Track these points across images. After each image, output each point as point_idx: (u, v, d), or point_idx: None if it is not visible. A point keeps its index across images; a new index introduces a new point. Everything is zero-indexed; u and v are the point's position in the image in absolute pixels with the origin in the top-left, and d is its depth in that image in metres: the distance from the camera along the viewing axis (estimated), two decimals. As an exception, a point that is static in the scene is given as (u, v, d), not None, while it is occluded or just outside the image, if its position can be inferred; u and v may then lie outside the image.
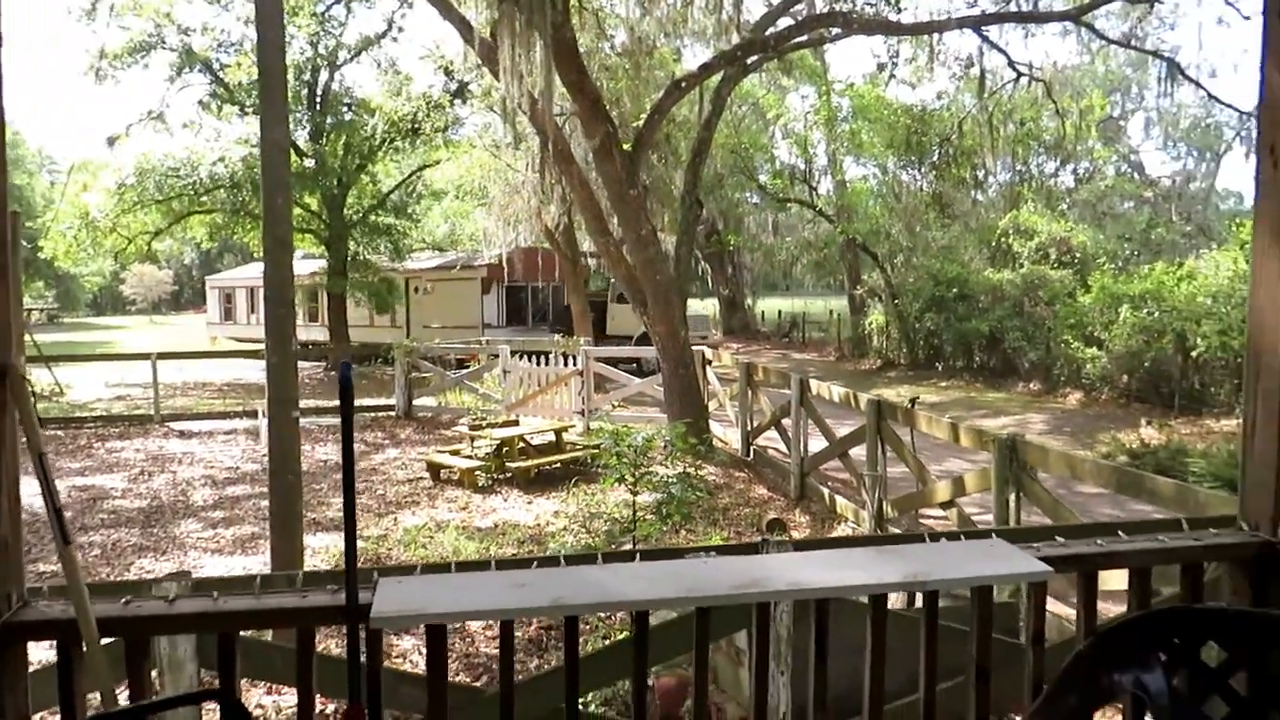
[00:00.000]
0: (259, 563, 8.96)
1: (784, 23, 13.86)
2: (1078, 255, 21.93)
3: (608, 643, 5.72)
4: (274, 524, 6.27)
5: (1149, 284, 17.65)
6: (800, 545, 3.42)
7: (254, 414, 15.79)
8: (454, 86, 23.88)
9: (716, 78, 13.51)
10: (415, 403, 17.59)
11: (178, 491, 11.91)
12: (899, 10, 14.34)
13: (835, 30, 13.77)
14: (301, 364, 25.78)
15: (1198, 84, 14.52)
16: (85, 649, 1.75)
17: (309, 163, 24.59)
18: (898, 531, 8.24)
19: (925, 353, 23.92)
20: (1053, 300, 20.35)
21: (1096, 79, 27.03)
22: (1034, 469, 6.38)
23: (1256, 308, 2.21)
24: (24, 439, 1.76)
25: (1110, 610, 3.99)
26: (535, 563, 2.10)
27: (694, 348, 20.84)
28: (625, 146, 11.97)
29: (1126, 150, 28.74)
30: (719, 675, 5.02)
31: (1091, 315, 18.49)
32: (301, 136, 25.27)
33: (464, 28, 11.94)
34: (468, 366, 18.67)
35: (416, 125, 23.28)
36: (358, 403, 18.24)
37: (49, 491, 1.78)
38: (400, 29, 26.56)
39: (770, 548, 3.46)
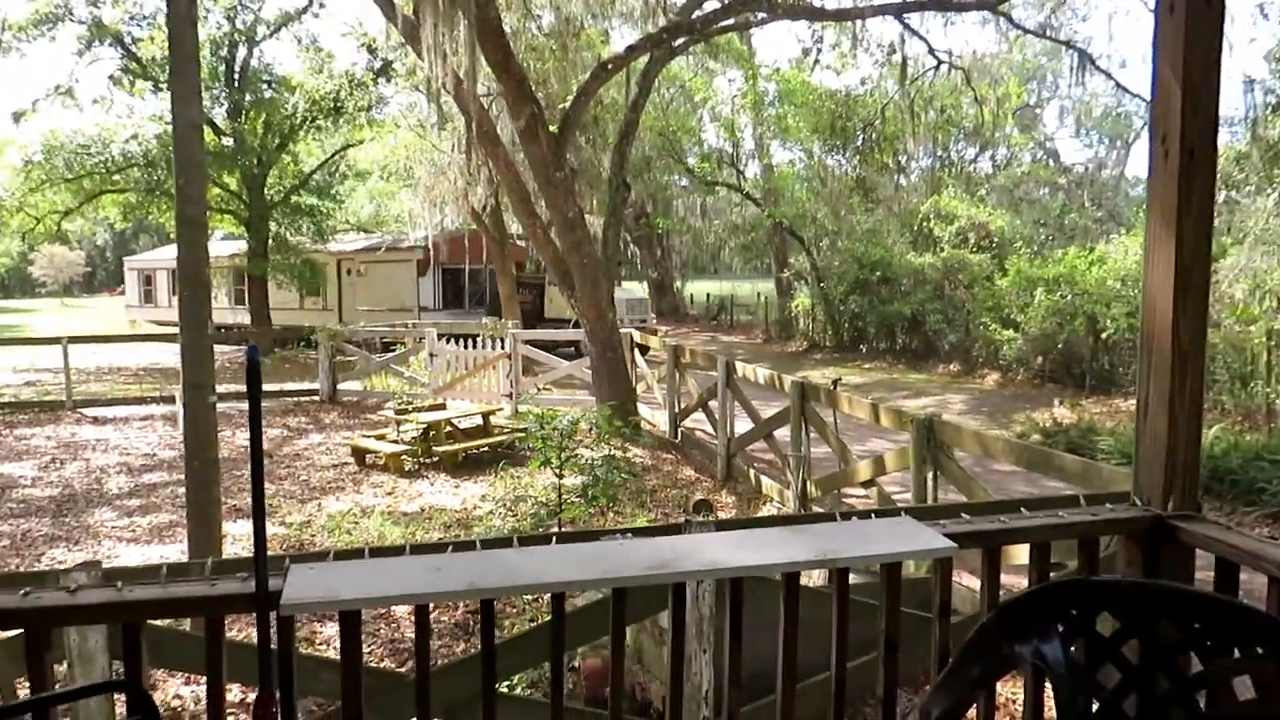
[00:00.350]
0: (177, 551, 8.74)
1: (710, 6, 13.91)
2: (995, 240, 22.50)
3: (532, 625, 5.73)
4: (191, 511, 6.13)
5: (1062, 268, 18.19)
6: (723, 525, 3.46)
7: (171, 399, 15.35)
8: (377, 65, 23.40)
9: (644, 60, 13.50)
10: (340, 387, 17.31)
11: (91, 479, 11.54)
12: (823, -5, 14.50)
13: (760, 14, 13.85)
14: (222, 348, 25.19)
15: (1107, 74, 15.01)
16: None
17: (227, 141, 23.91)
18: (820, 510, 8.40)
19: (850, 335, 24.32)
20: (972, 284, 20.86)
21: (1013, 67, 27.65)
22: (950, 448, 6.55)
23: (1149, 293, 2.30)
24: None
25: (1017, 583, 4.13)
26: (451, 547, 2.10)
27: (631, 331, 20.99)
28: (552, 128, 11.89)
29: (1042, 137, 29.57)
30: (643, 655, 5.07)
31: (1008, 298, 19.00)
32: (220, 114, 24.54)
33: (386, 5, 11.73)
34: (394, 350, 18.42)
35: (339, 104, 22.79)
36: (281, 387, 17.89)
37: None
38: (322, 4, 25.84)
39: (693, 528, 3.50)
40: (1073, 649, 2.14)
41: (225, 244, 28.63)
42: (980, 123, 18.01)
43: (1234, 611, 2.00)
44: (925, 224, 23.69)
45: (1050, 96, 31.00)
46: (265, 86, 25.17)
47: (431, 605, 1.95)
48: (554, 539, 2.15)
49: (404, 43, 17.86)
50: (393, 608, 6.31)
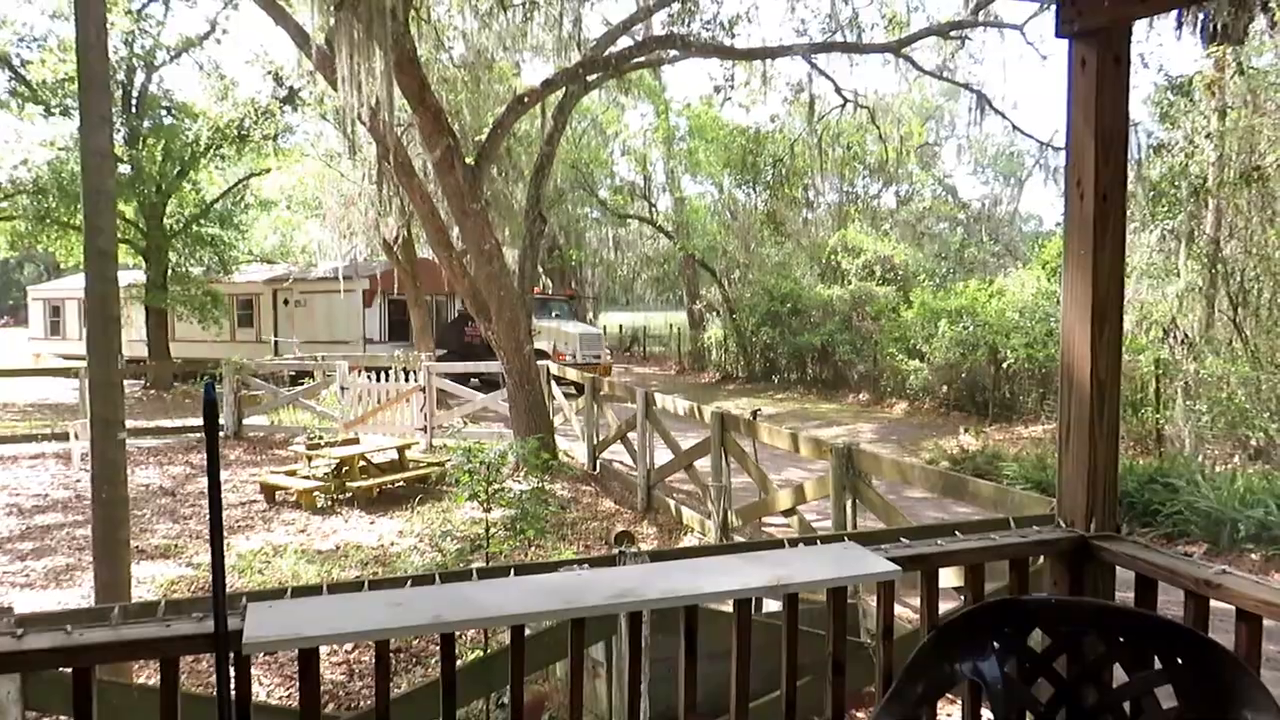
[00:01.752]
0: (76, 596, 8.36)
1: (624, 42, 14.14)
2: (900, 272, 23.25)
3: (477, 656, 5.66)
4: (98, 552, 5.87)
5: (964, 300, 18.89)
6: (656, 555, 3.51)
7: (64, 436, 14.69)
8: (283, 93, 23.01)
9: (558, 94, 13.61)
10: (245, 422, 16.80)
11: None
12: (733, 35, 14.87)
13: (673, 52, 14.13)
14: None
15: (1003, 115, 15.73)
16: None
17: (125, 169, 23.12)
18: (741, 540, 8.51)
19: (762, 365, 24.74)
20: (879, 315, 21.48)
21: (913, 107, 28.71)
22: (868, 475, 6.73)
23: (1066, 327, 2.45)
24: None
25: (944, 604, 4.28)
26: (410, 581, 2.10)
27: (588, 365, 20.98)
28: (468, 160, 11.88)
29: (941, 174, 30.70)
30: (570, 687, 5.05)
31: (914, 329, 19.62)
32: (117, 140, 23.74)
33: (298, 34, 11.60)
34: (302, 383, 17.99)
35: (244, 131, 22.29)
36: (183, 423, 17.29)
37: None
38: (225, 31, 25.32)
39: (626, 559, 3.53)
40: (1007, 666, 2.26)
41: (123, 274, 27.55)
42: (885, 160, 18.65)
43: (1156, 625, 2.13)
44: (833, 257, 24.34)
45: (948, 135, 32.34)
46: (165, 113, 24.49)
47: (391, 641, 1.94)
48: (512, 571, 2.16)
49: (312, 71, 17.68)
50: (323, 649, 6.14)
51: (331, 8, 9.76)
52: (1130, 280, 16.96)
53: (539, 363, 13.70)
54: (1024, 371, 17.04)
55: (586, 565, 2.23)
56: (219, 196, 25.34)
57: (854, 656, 2.75)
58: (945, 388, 18.59)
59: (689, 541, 9.64)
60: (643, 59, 13.54)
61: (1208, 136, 14.83)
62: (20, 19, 23.02)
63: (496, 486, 6.01)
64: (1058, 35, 2.39)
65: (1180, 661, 2.07)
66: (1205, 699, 2.02)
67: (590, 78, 13.31)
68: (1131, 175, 16.20)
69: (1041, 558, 2.58)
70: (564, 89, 13.26)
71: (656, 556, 3.55)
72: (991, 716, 2.22)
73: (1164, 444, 13.83)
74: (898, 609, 5.43)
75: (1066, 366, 2.44)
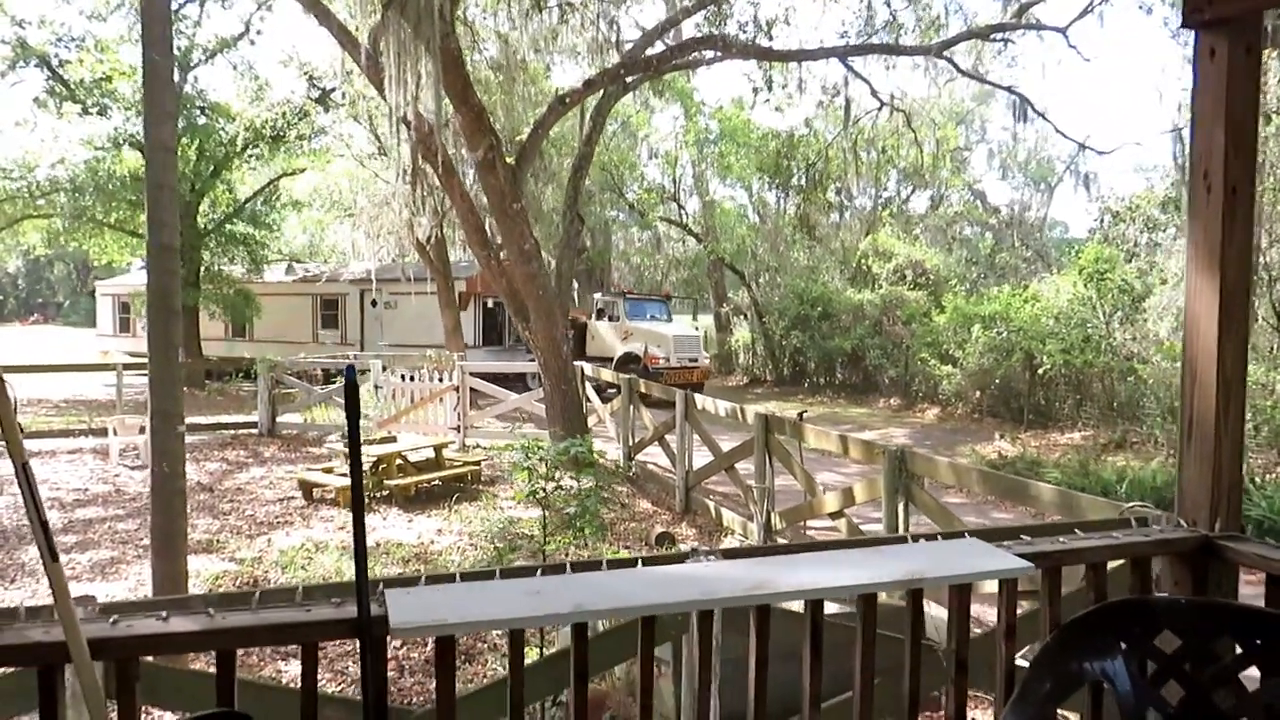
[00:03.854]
0: (123, 589, 8.42)
1: (659, 45, 14.14)
2: (931, 277, 23.11)
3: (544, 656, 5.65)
4: (157, 545, 5.91)
5: (998, 305, 18.75)
6: (728, 554, 3.47)
7: (102, 431, 14.81)
8: (315, 93, 23.16)
9: (596, 95, 13.62)
10: (279, 420, 16.89)
11: (19, 516, 11.01)
12: (771, 37, 14.84)
13: (711, 53, 14.12)
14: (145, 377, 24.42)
15: (1044, 117, 15.62)
16: (78, 675, 1.62)
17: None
18: (784, 542, 8.46)
19: (790, 369, 24.65)
20: (910, 320, 21.36)
21: (943, 111, 28.54)
22: (921, 478, 6.68)
23: (1191, 322, 2.41)
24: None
25: (987, 615, 4.22)
26: (540, 570, 2.08)
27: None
28: (508, 160, 11.90)
29: (971, 179, 30.52)
30: (635, 688, 5.02)
31: (946, 334, 19.49)
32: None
33: (341, 34, 11.66)
34: (335, 382, 18.07)
35: (278, 132, 22.45)
36: (217, 420, 17.41)
37: (35, 504, 1.64)
38: (259, 31, 25.45)
39: (698, 556, 3.50)
40: (1134, 667, 2.21)
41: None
42: (920, 164, 18.54)
43: (1295, 627, 2.09)
44: (864, 261, 24.23)
45: (978, 140, 32.13)
46: (199, 112, 24.69)
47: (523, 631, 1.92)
48: (639, 562, 2.14)
49: (349, 72, 17.77)
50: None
51: (379, 7, 9.80)
52: (1167, 286, 16.81)
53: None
54: (1060, 377, 16.88)
55: (715, 555, 2.21)
56: (251, 196, 25.52)
57: (925, 659, 2.71)
58: (978, 393, 18.46)
59: (730, 543, 9.60)
60: (683, 60, 13.52)
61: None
62: (58, 18, 22.99)
63: (555, 484, 5.99)
64: (1184, 25, 2.35)
65: (1322, 665, 2.03)
66: (1349, 703, 1.97)
67: (629, 79, 13.29)
68: (1175, 178, 16.06)
69: (1161, 558, 2.53)
70: (603, 90, 13.27)
71: (728, 555, 3.53)
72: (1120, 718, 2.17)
73: (1205, 452, 13.65)
74: (939, 613, 5.36)
75: (1190, 362, 2.40)
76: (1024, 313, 18.00)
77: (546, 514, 6.12)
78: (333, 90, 23.00)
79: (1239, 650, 2.15)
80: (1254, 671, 2.14)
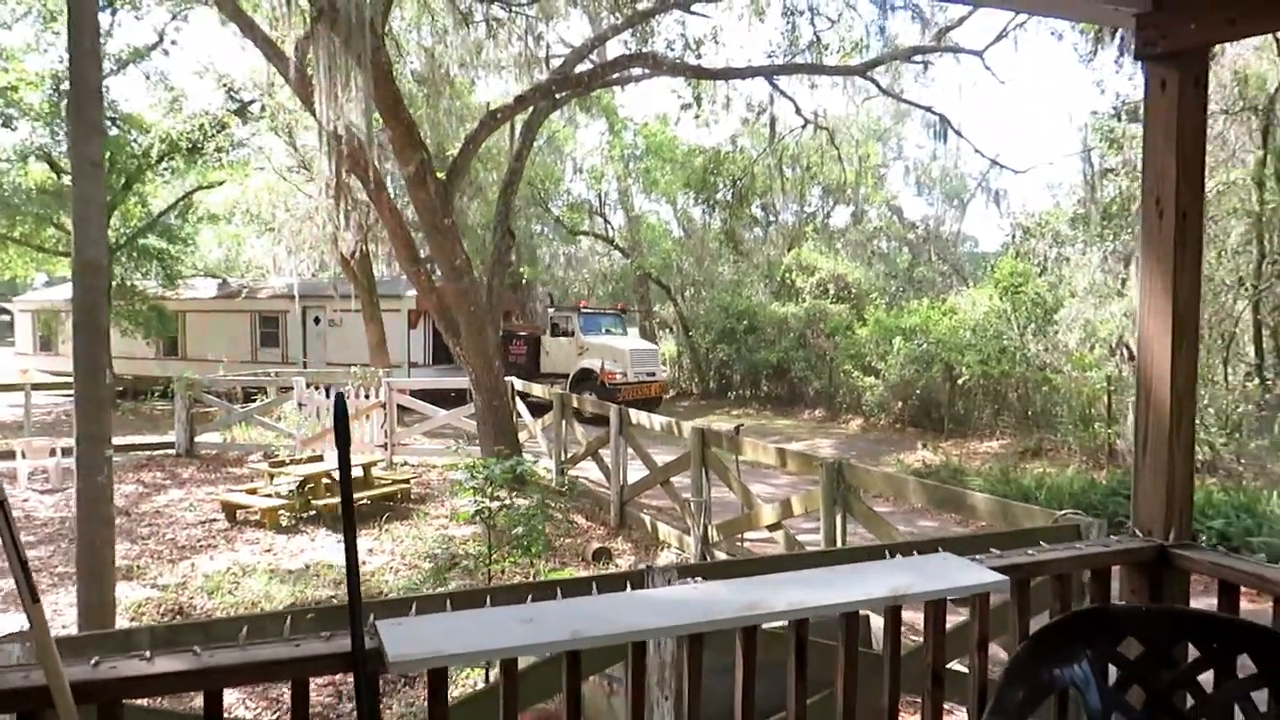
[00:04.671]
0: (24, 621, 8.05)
1: (590, 59, 14.18)
2: (853, 291, 23.58)
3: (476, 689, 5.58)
4: (82, 574, 5.69)
5: (917, 318, 19.23)
6: (684, 571, 3.48)
7: (9, 454, 14.16)
8: (234, 105, 22.61)
9: (526, 111, 13.60)
10: (198, 439, 16.37)
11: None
12: (699, 56, 15.02)
13: (639, 70, 14.22)
14: (55, 398, 23.42)
15: (960, 135, 16.14)
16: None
17: (67, 180, 22.47)
18: (724, 556, 8.52)
19: (717, 382, 24.86)
20: (833, 332, 21.76)
21: (861, 129, 29.21)
22: (858, 490, 6.80)
23: (1144, 341, 2.52)
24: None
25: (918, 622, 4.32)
26: (530, 595, 2.05)
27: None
28: (439, 175, 11.79)
29: (889, 195, 31.25)
30: (586, 706, 4.99)
31: (868, 347, 19.91)
32: (59, 152, 23.09)
33: (268, 48, 11.43)
34: (255, 400, 17.61)
35: (195, 144, 21.83)
36: (132, 440, 16.79)
37: (14, 543, 1.57)
38: (174, 42, 24.70)
39: (654, 577, 3.49)
40: (1100, 673, 2.30)
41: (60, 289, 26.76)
42: (843, 180, 18.93)
43: (1250, 631, 2.19)
44: (788, 275, 24.61)
45: (895, 157, 32.94)
46: (110, 124, 23.85)
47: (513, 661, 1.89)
48: (628, 585, 2.14)
49: (271, 84, 17.42)
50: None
51: (307, 20, 9.64)
52: (1076, 299, 17.47)
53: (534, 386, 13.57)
54: (978, 388, 17.39)
55: (700, 578, 2.22)
56: (166, 210, 24.75)
57: (873, 669, 2.76)
58: (900, 404, 18.88)
59: (666, 558, 9.63)
60: (614, 76, 13.59)
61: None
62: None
63: (501, 503, 5.94)
64: (1137, 58, 2.46)
65: (1276, 666, 2.13)
66: (1303, 702, 2.07)
67: (559, 95, 13.31)
68: (1084, 198, 16.73)
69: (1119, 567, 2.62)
70: (533, 106, 13.25)
71: (684, 572, 3.54)
72: (1087, 723, 2.25)
73: (1116, 458, 14.21)
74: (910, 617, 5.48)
75: (1145, 380, 2.51)
76: (942, 325, 18.49)
77: (491, 533, 6.05)
78: (251, 102, 22.51)
79: (1197, 654, 2.25)
80: (1211, 674, 2.24)
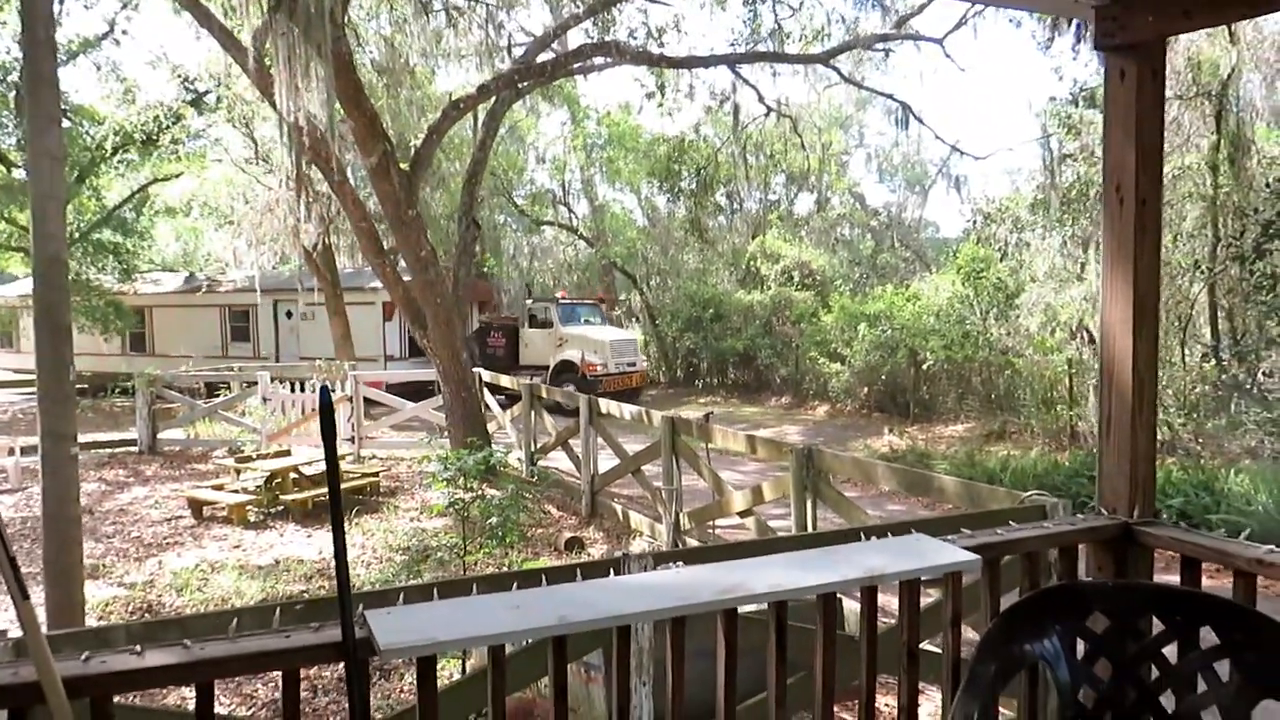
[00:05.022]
0: (6, 621, 7.95)
1: (551, 49, 14.13)
2: (818, 278, 23.75)
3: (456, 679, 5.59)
4: (49, 574, 5.62)
5: (882, 304, 19.42)
6: (660, 557, 3.52)
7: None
8: (189, 96, 22.24)
9: (489, 100, 13.54)
10: (160, 436, 16.16)
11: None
12: (662, 45, 15.02)
13: (602, 59, 14.20)
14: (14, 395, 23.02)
15: (922, 122, 16.30)
16: (54, 716, 1.56)
17: (18, 174, 22.03)
18: (696, 543, 8.59)
19: (684, 370, 24.94)
20: (799, 320, 21.90)
21: (823, 117, 29.37)
22: (828, 475, 6.88)
23: (1106, 326, 2.59)
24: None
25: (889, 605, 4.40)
26: (515, 583, 2.08)
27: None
28: (402, 166, 11.72)
29: (851, 183, 31.50)
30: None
31: (834, 333, 20.08)
32: (8, 144, 22.63)
33: (225, 38, 11.28)
34: (219, 395, 17.41)
35: (150, 136, 21.47)
36: (94, 438, 16.54)
37: (2, 540, 1.57)
38: (124, 31, 24.22)
39: (630, 563, 3.54)
40: (1069, 647, 2.37)
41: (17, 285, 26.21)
42: (806, 167, 19.04)
43: (1212, 604, 2.27)
44: (753, 263, 24.71)
45: (857, 144, 33.19)
46: (62, 116, 23.38)
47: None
48: (610, 569, 2.17)
49: (228, 74, 17.15)
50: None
51: (266, 9, 9.52)
52: (1036, 284, 17.74)
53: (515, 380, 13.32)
54: (942, 372, 17.60)
55: (681, 563, 2.26)
56: (121, 203, 24.35)
57: (850, 651, 2.83)
58: (866, 389, 19.07)
59: (639, 545, 9.68)
60: (576, 65, 13.56)
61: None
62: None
63: (476, 495, 5.94)
64: (1096, 48, 2.52)
65: (1237, 637, 2.21)
66: (1262, 670, 2.16)
67: (522, 84, 13.26)
68: (1043, 183, 16.95)
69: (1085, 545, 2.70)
70: (495, 95, 13.19)
71: (660, 559, 3.59)
72: (1057, 696, 2.32)
73: (1077, 440, 14.47)
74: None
75: (1108, 363, 2.58)
76: (906, 311, 18.68)
77: (465, 524, 6.06)
78: (207, 93, 22.16)
79: (1162, 627, 2.32)
80: (1175, 646, 2.32)
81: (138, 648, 1.70)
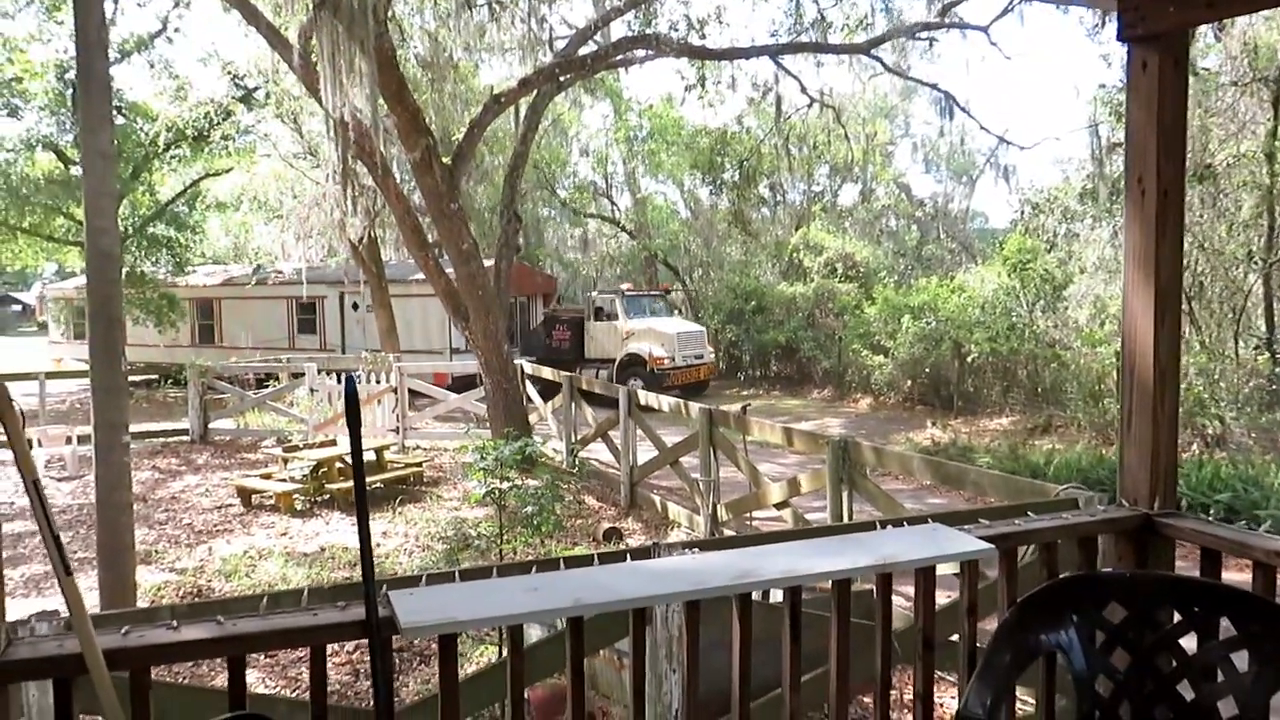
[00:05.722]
0: (59, 602, 8.22)
1: (591, 44, 14.20)
2: (861, 270, 23.58)
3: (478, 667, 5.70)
4: (103, 557, 5.83)
5: (926, 296, 19.22)
6: (706, 546, 3.57)
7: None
8: (238, 92, 22.66)
9: (531, 94, 13.64)
10: (211, 425, 16.56)
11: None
12: (703, 36, 15.00)
13: (644, 52, 14.23)
14: (70, 386, 23.66)
15: (968, 113, 16.11)
16: (96, 686, 1.66)
17: (75, 170, 22.63)
18: (731, 534, 8.63)
19: (726, 362, 24.92)
20: (842, 312, 21.77)
21: (868, 107, 29.11)
22: (864, 467, 6.88)
23: (1129, 317, 2.59)
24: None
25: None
26: (535, 567, 2.15)
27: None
28: (444, 160, 11.86)
29: (895, 173, 31.19)
30: (598, 681, 5.11)
31: (877, 325, 19.92)
32: (64, 142, 23.24)
33: (271, 34, 11.49)
34: (267, 386, 17.77)
35: (201, 132, 21.92)
36: (146, 427, 16.98)
37: (47, 519, 1.67)
38: (176, 29, 24.72)
39: (661, 551, 3.59)
40: (1086, 636, 2.38)
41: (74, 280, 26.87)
42: (850, 158, 18.91)
43: (1229, 595, 2.27)
44: (795, 255, 24.61)
45: (902, 135, 32.86)
46: (116, 113, 23.95)
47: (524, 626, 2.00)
48: (628, 556, 2.23)
49: (275, 70, 17.45)
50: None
51: (309, 6, 9.69)
52: (1085, 275, 17.46)
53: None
54: (987, 365, 17.41)
55: (696, 549, 2.31)
56: (174, 198, 24.89)
57: (865, 640, 2.84)
58: (909, 382, 18.92)
59: (676, 536, 9.75)
60: (618, 58, 13.61)
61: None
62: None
63: (512, 484, 6.04)
64: (1119, 39, 2.52)
65: (1256, 628, 2.21)
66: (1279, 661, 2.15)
67: (563, 78, 13.33)
68: (1092, 173, 16.68)
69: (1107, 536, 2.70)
70: (537, 89, 13.29)
71: (690, 547, 3.64)
72: (1074, 685, 2.33)
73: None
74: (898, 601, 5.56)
75: (1129, 355, 2.58)
76: (951, 303, 18.49)
77: (502, 513, 6.16)
78: (256, 89, 22.55)
79: (1179, 618, 2.33)
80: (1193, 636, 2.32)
81: (174, 623, 1.79)
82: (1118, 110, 16.13)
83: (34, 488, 1.66)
